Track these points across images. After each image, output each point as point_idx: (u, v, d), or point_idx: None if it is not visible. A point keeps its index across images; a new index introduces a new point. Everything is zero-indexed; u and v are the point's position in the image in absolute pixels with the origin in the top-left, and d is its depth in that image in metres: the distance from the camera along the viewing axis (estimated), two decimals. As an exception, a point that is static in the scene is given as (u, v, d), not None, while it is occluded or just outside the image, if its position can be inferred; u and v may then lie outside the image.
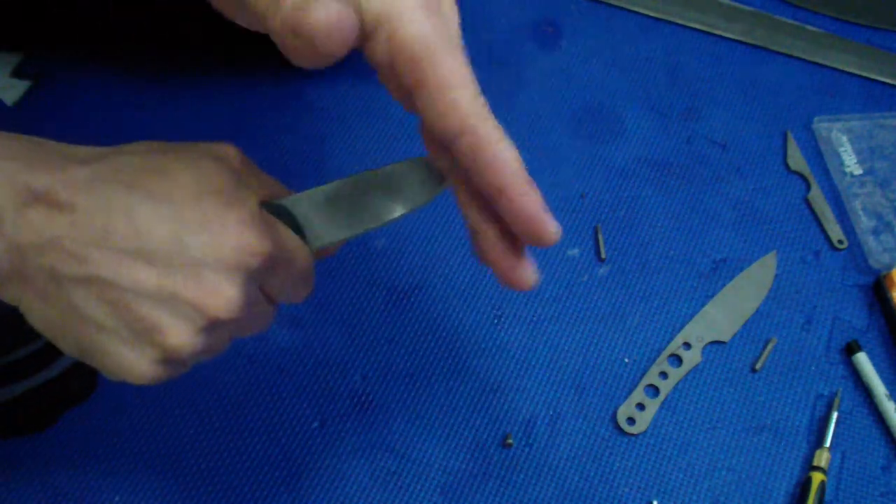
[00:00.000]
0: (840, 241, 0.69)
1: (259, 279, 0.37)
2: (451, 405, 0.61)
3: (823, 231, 0.70)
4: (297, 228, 0.41)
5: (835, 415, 0.60)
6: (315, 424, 0.60)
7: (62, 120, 0.72)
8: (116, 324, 0.35)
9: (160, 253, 0.34)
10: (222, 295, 0.35)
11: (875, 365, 0.63)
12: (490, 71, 0.77)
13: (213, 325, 0.36)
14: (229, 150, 0.39)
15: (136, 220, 0.34)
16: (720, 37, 0.80)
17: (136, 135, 0.72)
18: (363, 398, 0.61)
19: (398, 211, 0.42)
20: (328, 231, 0.42)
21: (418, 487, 0.58)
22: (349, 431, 0.60)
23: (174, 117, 0.73)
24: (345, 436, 0.60)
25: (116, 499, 0.57)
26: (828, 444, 0.59)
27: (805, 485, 0.58)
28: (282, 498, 0.58)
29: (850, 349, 0.64)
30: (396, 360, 0.63)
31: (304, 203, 0.42)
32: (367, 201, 0.42)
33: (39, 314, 0.36)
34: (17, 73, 0.74)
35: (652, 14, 0.81)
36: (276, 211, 0.41)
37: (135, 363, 0.36)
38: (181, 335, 0.35)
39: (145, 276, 0.34)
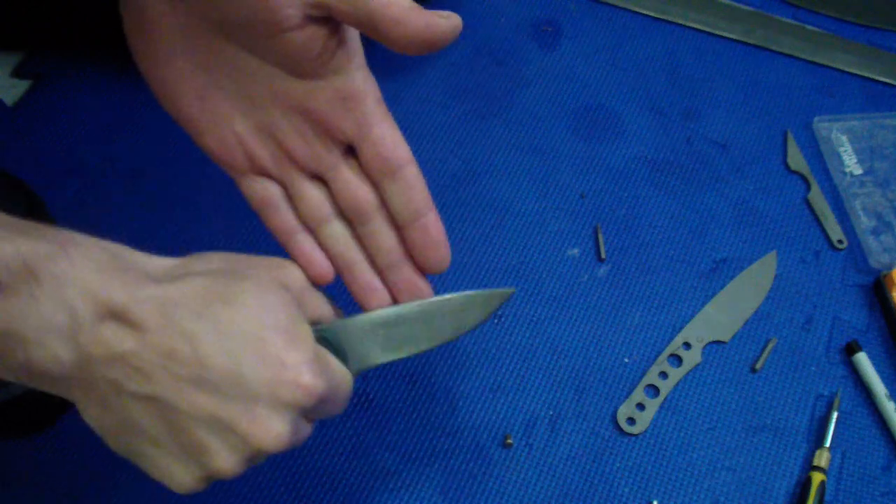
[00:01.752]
0: (840, 241, 0.69)
1: (308, 414, 0.39)
2: (451, 405, 0.61)
3: (823, 231, 0.70)
4: (341, 352, 0.43)
5: (835, 415, 0.60)
6: (315, 424, 0.60)
7: (62, 120, 0.72)
8: (168, 440, 0.37)
9: (219, 383, 0.36)
10: (272, 431, 0.37)
11: (875, 365, 0.63)
12: (490, 70, 0.77)
13: (257, 456, 0.38)
14: (293, 274, 0.42)
15: (199, 349, 0.35)
16: (720, 37, 0.80)
17: (137, 135, 0.72)
18: (363, 398, 0.61)
19: (443, 339, 0.44)
20: (370, 355, 0.43)
21: (418, 487, 0.58)
22: (349, 431, 0.60)
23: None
24: (345, 436, 0.60)
25: (116, 499, 0.57)
26: (828, 444, 0.59)
27: (805, 485, 0.58)
28: (282, 498, 0.58)
29: (850, 349, 0.64)
30: (396, 360, 0.63)
31: (349, 329, 0.43)
32: (411, 328, 0.44)
33: (95, 416, 0.37)
34: (17, 73, 0.74)
35: (652, 14, 0.81)
36: (322, 335, 0.42)
37: (179, 476, 0.38)
38: (227, 461, 0.37)
39: (202, 403, 0.36)
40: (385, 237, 0.44)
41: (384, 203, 0.43)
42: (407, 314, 0.43)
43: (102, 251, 0.36)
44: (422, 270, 0.45)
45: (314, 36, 0.38)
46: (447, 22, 0.38)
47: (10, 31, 0.75)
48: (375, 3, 0.36)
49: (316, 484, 0.58)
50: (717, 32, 0.80)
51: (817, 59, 0.79)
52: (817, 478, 0.58)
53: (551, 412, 0.61)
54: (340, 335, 0.43)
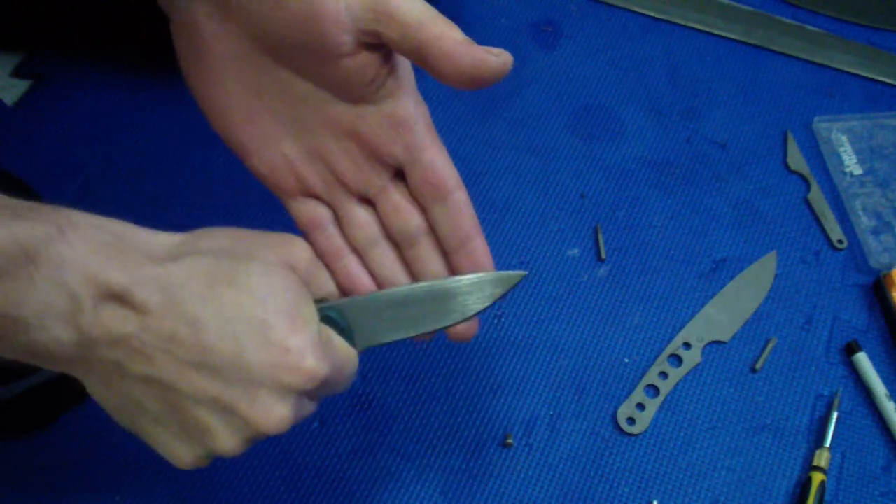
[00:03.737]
0: (840, 241, 0.69)
1: (311, 395, 0.39)
2: (451, 405, 0.61)
3: (823, 231, 0.70)
4: (346, 329, 0.42)
5: (835, 415, 0.60)
6: (315, 424, 0.60)
7: (62, 120, 0.72)
8: (170, 420, 0.37)
9: (221, 367, 0.36)
10: (274, 415, 0.37)
11: (875, 365, 0.63)
12: (490, 71, 0.77)
13: (258, 437, 0.38)
14: (300, 253, 0.41)
15: (201, 333, 0.35)
16: (720, 37, 0.80)
17: (136, 135, 0.72)
18: (363, 398, 0.61)
19: (452, 320, 0.43)
20: (377, 334, 0.43)
21: (418, 487, 0.58)
22: (349, 431, 0.60)
23: (174, 117, 0.73)
24: (345, 436, 0.60)
25: (116, 499, 0.57)
26: (828, 444, 0.59)
27: (805, 485, 0.58)
28: (282, 498, 0.58)
29: (850, 349, 0.64)
30: (396, 360, 0.63)
31: (356, 307, 0.42)
32: (420, 309, 0.43)
33: (99, 393, 0.38)
34: (17, 73, 0.74)
35: (652, 14, 0.81)
36: (327, 313, 0.42)
37: (181, 454, 0.39)
38: (228, 442, 0.37)
39: (204, 387, 0.36)
40: (432, 261, 0.44)
41: (432, 227, 0.43)
42: (416, 294, 0.43)
43: (102, 231, 0.36)
44: None
45: (366, 62, 0.38)
46: (497, 59, 0.39)
47: (10, 31, 0.75)
48: (427, 34, 0.36)
49: (316, 484, 0.58)
50: (717, 32, 0.80)
51: (817, 59, 0.79)
52: (817, 478, 0.58)
53: (551, 412, 0.61)
54: (347, 313, 0.42)
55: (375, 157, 0.41)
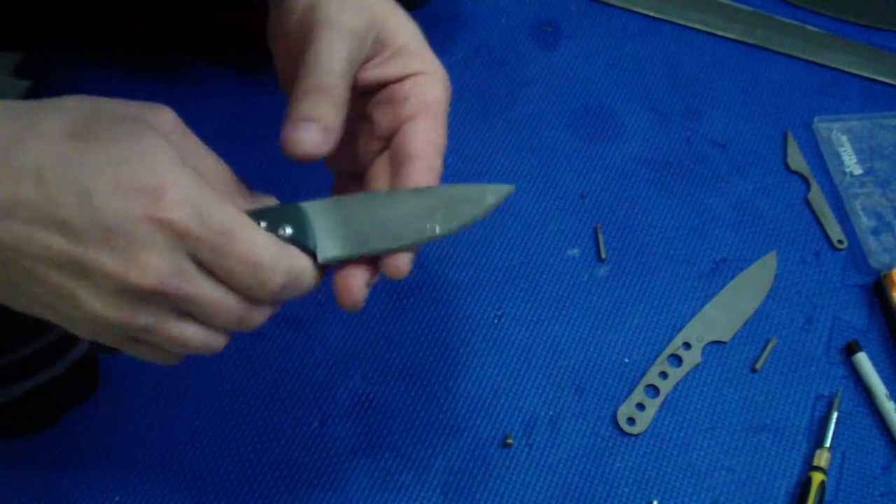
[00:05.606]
0: (840, 241, 0.69)
1: (189, 251, 0.35)
2: (450, 405, 0.61)
3: (823, 231, 0.70)
4: (304, 235, 0.39)
5: (835, 415, 0.60)
6: (315, 424, 0.60)
7: (62, 120, 0.72)
8: (38, 292, 0.35)
9: (70, 221, 0.33)
10: (139, 263, 0.34)
11: (875, 365, 0.63)
12: (490, 71, 0.77)
13: (139, 295, 0.35)
14: (164, 117, 0.38)
15: (46, 186, 0.33)
16: (720, 37, 0.80)
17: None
18: (363, 398, 0.61)
19: (424, 234, 0.40)
20: (338, 245, 0.40)
21: (418, 487, 0.58)
22: (349, 431, 0.60)
23: (174, 117, 0.73)
24: (345, 436, 0.60)
25: (117, 498, 0.57)
26: (828, 444, 0.59)
27: (805, 485, 0.58)
28: (282, 498, 0.58)
29: (850, 349, 0.64)
30: (396, 360, 0.63)
31: (317, 210, 0.40)
32: (391, 214, 0.40)
33: None
34: (17, 73, 0.74)
35: (652, 14, 0.81)
36: (282, 213, 0.39)
37: (74, 326, 0.36)
38: (97, 303, 0.34)
39: (55, 245, 0.33)
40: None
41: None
42: (381, 198, 0.40)
43: None
44: None
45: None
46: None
47: (10, 31, 0.75)
48: None
49: (316, 484, 0.58)
50: (717, 32, 0.80)
51: (817, 59, 0.79)
52: (817, 478, 0.58)
53: (551, 412, 0.61)
54: (305, 215, 0.39)
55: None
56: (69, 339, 0.55)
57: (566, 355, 0.64)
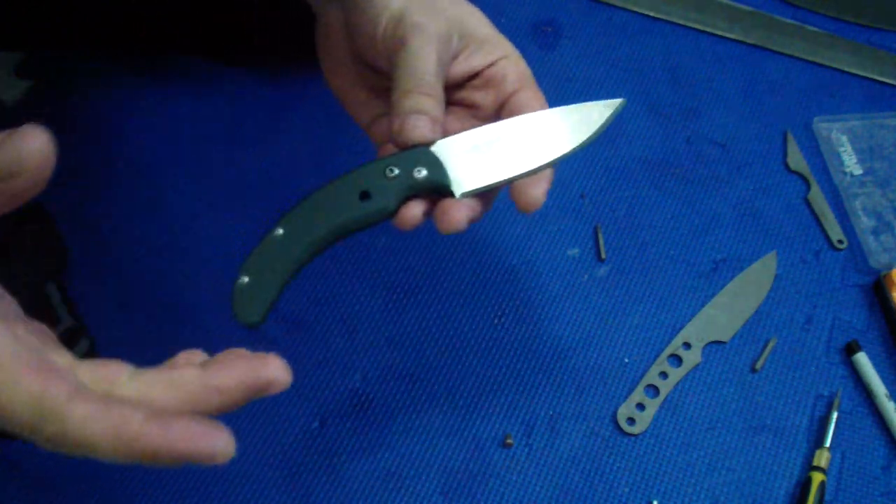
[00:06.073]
0: (840, 241, 0.69)
1: None
2: (451, 405, 0.61)
3: (823, 231, 0.70)
4: (439, 175, 0.41)
5: (835, 415, 0.60)
6: (315, 424, 0.60)
7: (62, 120, 0.72)
8: None
9: None
10: None
11: (875, 365, 0.63)
12: (490, 71, 0.77)
13: None
14: None
15: None
16: (720, 37, 0.80)
17: (136, 135, 0.72)
18: (363, 398, 0.61)
19: (554, 154, 0.42)
20: (473, 178, 0.42)
21: (418, 487, 0.58)
22: (349, 431, 0.60)
23: (174, 117, 0.73)
24: (345, 436, 0.60)
25: (117, 498, 0.57)
26: (828, 444, 0.59)
27: (805, 485, 0.58)
28: (282, 498, 0.58)
29: (850, 349, 0.64)
30: (396, 360, 0.63)
31: (448, 147, 0.42)
32: (516, 144, 0.43)
33: None
34: (17, 73, 0.74)
35: (652, 14, 0.81)
36: (414, 157, 0.41)
37: None
38: None
39: None
40: None
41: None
42: (508, 126, 0.43)
43: None
44: None
45: None
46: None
47: (10, 31, 0.75)
48: None
49: (315, 484, 0.58)
50: (717, 32, 0.80)
51: (817, 59, 0.79)
52: (817, 478, 0.58)
53: (551, 412, 0.61)
54: (437, 155, 0.42)
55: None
56: (69, 340, 0.55)
57: (566, 355, 0.64)
